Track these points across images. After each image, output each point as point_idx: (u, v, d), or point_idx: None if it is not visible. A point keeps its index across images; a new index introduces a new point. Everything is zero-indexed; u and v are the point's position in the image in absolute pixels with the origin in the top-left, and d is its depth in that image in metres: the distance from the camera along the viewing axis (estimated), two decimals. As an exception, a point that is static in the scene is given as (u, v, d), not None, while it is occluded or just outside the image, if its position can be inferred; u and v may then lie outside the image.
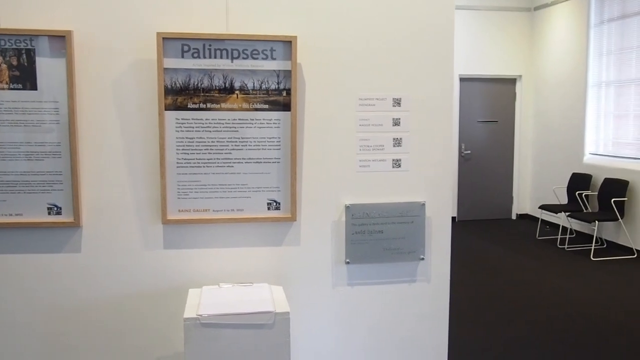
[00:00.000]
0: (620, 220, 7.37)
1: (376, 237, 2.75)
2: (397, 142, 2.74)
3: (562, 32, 8.91)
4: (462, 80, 9.46)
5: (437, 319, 2.91)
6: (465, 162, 9.62)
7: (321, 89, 2.65)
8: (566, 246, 7.85)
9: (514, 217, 9.93)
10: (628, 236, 7.46)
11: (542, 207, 8.31)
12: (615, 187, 7.55)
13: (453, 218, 9.61)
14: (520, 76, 9.68)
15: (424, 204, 2.78)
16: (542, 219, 8.88)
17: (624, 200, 7.41)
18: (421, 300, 2.88)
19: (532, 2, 9.56)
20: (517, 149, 9.81)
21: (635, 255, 7.29)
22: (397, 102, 2.72)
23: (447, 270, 2.89)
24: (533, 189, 9.78)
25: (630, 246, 7.43)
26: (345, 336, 2.82)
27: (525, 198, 9.90)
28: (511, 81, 9.71)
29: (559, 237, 8.23)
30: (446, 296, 2.92)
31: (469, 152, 9.62)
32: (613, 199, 7.38)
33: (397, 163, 2.75)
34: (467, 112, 9.56)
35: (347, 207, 2.71)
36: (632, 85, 7.61)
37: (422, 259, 2.82)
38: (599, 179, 7.96)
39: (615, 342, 4.59)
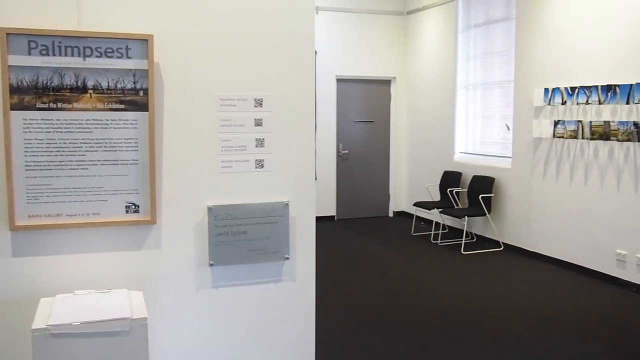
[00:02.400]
0: (487, 215, 7.77)
1: (240, 238, 2.73)
2: (260, 143, 2.74)
3: (433, 36, 9.29)
4: (339, 81, 9.64)
5: (304, 317, 2.93)
6: (342, 161, 9.80)
7: (180, 88, 2.60)
8: (439, 241, 8.19)
9: (391, 214, 10.24)
10: (495, 230, 7.89)
11: (416, 204, 8.63)
12: (483, 184, 7.96)
13: (332, 217, 9.77)
14: (394, 78, 10.00)
15: (287, 204, 2.80)
16: (416, 216, 9.20)
17: (490, 196, 7.83)
18: (287, 299, 2.89)
19: (405, 7, 9.90)
20: (393, 148, 10.13)
21: (502, 248, 7.72)
22: (258, 103, 2.72)
23: (313, 269, 2.93)
24: (408, 186, 10.13)
25: (497, 239, 7.85)
26: (211, 339, 2.78)
27: (402, 196, 10.24)
28: (386, 82, 10.01)
29: (433, 232, 8.57)
30: (312, 295, 2.95)
31: (347, 151, 9.81)
32: (481, 195, 7.77)
33: (260, 163, 2.75)
34: (343, 113, 9.75)
35: (210, 209, 2.68)
36: (496, 87, 8.06)
37: (287, 258, 2.84)
38: (468, 176, 8.36)
39: (481, 329, 4.83)
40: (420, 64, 9.65)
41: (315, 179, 9.43)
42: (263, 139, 2.75)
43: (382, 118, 10.03)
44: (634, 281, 5.98)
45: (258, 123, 2.73)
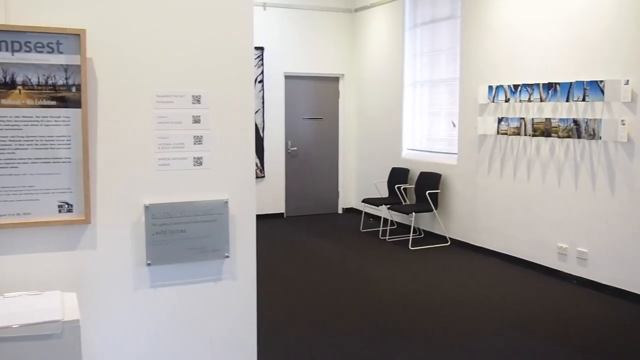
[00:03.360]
0: (434, 211, 7.87)
1: (178, 237, 2.69)
2: (198, 140, 2.71)
3: (381, 34, 9.35)
4: (287, 77, 9.62)
5: (245, 316, 2.91)
6: (291, 158, 9.79)
7: (115, 85, 2.54)
8: (387, 237, 8.26)
9: (340, 211, 10.28)
10: (442, 225, 7.99)
11: (365, 200, 8.67)
12: (430, 180, 8.06)
13: (281, 214, 9.75)
14: (343, 75, 10.03)
15: (227, 202, 2.77)
16: (365, 212, 9.26)
17: (437, 192, 7.93)
18: (228, 298, 2.86)
19: (353, 4, 9.93)
20: (342, 145, 10.17)
21: (449, 243, 7.83)
22: (196, 100, 2.68)
23: (253, 267, 2.90)
24: (357, 183, 10.19)
25: (444, 235, 7.97)
26: (149, 340, 2.73)
27: (351, 192, 10.29)
28: (334, 79, 10.03)
29: (381, 229, 8.63)
30: (253, 293, 2.93)
31: (295, 148, 9.80)
32: (428, 192, 7.87)
33: (198, 161, 2.71)
34: (292, 110, 9.74)
35: (147, 207, 2.63)
36: (442, 84, 8.16)
37: (227, 256, 2.81)
38: (415, 172, 8.46)
39: (428, 322, 4.89)
40: (368, 61, 9.70)
41: (264, 176, 9.43)
42: (201, 137, 2.71)
43: (331, 115, 10.05)
44: (574, 273, 6.15)
45: (196, 120, 2.69)
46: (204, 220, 2.73)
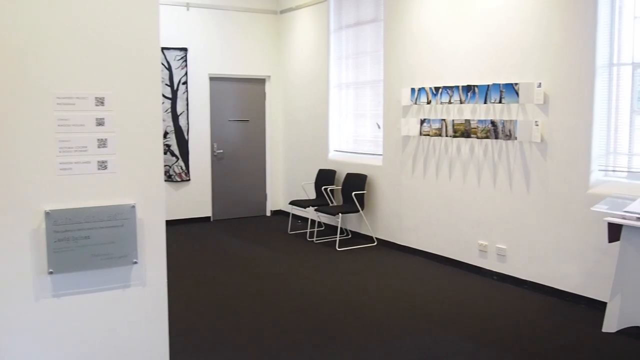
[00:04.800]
0: (361, 211, 7.93)
1: (82, 244, 2.60)
2: (102, 143, 2.62)
3: (306, 36, 9.36)
4: (212, 79, 9.51)
5: (156, 323, 2.84)
6: (218, 161, 9.68)
7: (11, 86, 2.43)
8: (315, 239, 8.27)
9: (268, 213, 10.23)
10: (368, 226, 8.06)
11: (292, 202, 8.66)
12: (356, 181, 8.12)
13: (208, 217, 9.62)
14: (269, 76, 9.99)
15: (134, 206, 2.69)
16: (293, 214, 9.25)
17: (363, 193, 7.99)
18: (137, 305, 2.79)
19: (279, 5, 9.91)
20: (269, 147, 10.12)
21: (376, 243, 7.91)
22: (100, 102, 2.60)
23: (164, 273, 2.84)
24: (285, 185, 10.17)
25: (371, 235, 8.04)
26: (53, 353, 2.63)
27: (278, 194, 10.26)
28: (261, 81, 9.98)
29: (309, 230, 8.64)
30: (164, 299, 2.86)
31: (222, 151, 9.69)
32: (354, 192, 7.92)
33: (102, 165, 2.63)
34: (218, 112, 9.63)
35: (48, 214, 2.53)
36: (367, 86, 8.23)
37: (135, 262, 2.73)
38: (342, 174, 8.50)
39: (354, 322, 4.91)
40: (294, 63, 9.70)
41: (189, 180, 9.29)
42: (106, 139, 2.63)
43: (258, 117, 10.00)
44: (494, 269, 6.31)
45: (100, 123, 2.61)
46: (110, 225, 2.65)
